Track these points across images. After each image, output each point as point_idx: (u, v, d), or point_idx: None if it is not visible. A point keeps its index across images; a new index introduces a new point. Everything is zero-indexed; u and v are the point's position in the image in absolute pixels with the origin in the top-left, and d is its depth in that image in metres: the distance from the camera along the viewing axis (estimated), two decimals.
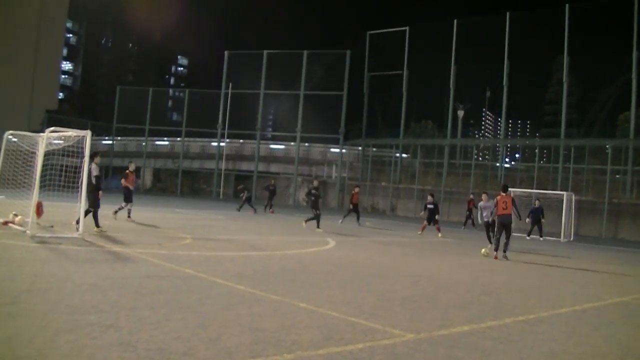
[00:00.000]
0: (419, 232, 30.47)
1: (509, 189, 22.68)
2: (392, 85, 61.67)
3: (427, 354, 7.19)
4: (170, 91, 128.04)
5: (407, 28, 60.04)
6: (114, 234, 17.70)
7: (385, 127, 62.53)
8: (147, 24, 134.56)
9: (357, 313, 9.28)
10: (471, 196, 37.80)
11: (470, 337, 8.36)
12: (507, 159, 59.97)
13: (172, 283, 10.67)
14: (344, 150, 64.28)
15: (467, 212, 39.58)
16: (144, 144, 72.74)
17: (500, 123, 60.61)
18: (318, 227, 27.39)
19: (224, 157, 65.56)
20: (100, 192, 18.02)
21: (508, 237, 20.43)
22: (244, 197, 38.73)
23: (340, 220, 33.55)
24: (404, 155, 62.88)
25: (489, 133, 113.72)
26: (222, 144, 67.30)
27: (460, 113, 63.28)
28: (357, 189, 34.69)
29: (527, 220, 32.89)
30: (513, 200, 20.89)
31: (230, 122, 65.80)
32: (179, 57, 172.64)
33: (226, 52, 67.88)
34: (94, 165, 17.63)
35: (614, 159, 47.34)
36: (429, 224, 30.44)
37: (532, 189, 43.83)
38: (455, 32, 56.16)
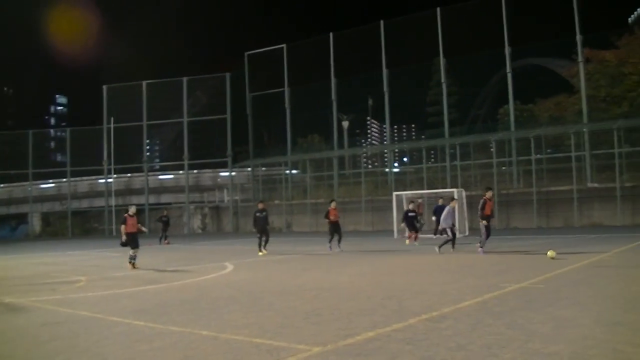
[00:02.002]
0: (415, 243, 29.59)
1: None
2: (275, 104, 61.90)
3: None
4: (52, 131, 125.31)
5: (284, 46, 60.39)
6: (4, 284, 17.14)
7: (273, 146, 62.81)
8: (20, 64, 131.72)
9: (261, 333, 9.23)
10: (419, 201, 36.53)
11: (376, 342, 8.41)
12: (395, 164, 60.80)
13: (69, 328, 10.37)
14: (233, 173, 64.04)
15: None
16: (29, 188, 70.81)
17: (386, 129, 61.44)
18: (262, 250, 27.06)
19: (112, 193, 64.44)
20: None
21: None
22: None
23: (329, 247, 27.35)
24: (294, 171, 63.04)
25: (375, 140, 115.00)
26: (109, 180, 66.13)
27: (345, 124, 63.96)
28: (333, 204, 28.59)
29: (433, 218, 33.51)
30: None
31: (116, 156, 64.82)
32: (57, 96, 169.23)
33: (104, 87, 66.81)
34: None
35: (498, 152, 48.54)
36: (415, 231, 30.16)
37: (422, 189, 44.55)
38: (332, 45, 56.84)
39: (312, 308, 11.58)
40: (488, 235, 22.08)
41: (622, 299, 11.23)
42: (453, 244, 23.88)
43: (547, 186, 44.58)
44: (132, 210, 23.35)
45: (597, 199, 42.29)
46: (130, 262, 22.28)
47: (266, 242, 27.39)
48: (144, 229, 24.12)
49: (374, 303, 11.98)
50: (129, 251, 22.50)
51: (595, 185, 42.79)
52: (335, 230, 27.44)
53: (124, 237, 22.52)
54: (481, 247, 22.10)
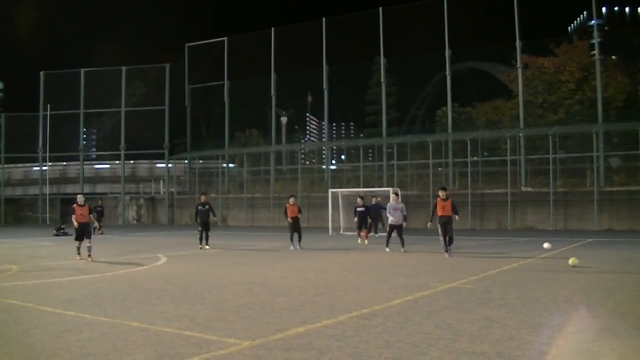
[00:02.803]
0: (365, 241, 29.18)
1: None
2: (214, 97, 61.70)
3: (263, 359, 7.21)
4: None
5: (225, 39, 60.17)
6: None
7: (210, 139, 62.49)
8: None
9: (191, 326, 9.23)
10: (378, 199, 35.52)
11: (305, 337, 8.47)
12: (333, 161, 60.90)
13: None
14: (170, 165, 63.63)
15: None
16: None
17: (324, 126, 61.60)
18: (203, 244, 26.36)
19: (47, 181, 63.47)
20: None
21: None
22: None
23: (291, 246, 26.27)
24: (230, 165, 62.85)
25: (314, 137, 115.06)
26: (44, 168, 65.14)
27: (284, 119, 63.88)
28: (291, 200, 27.32)
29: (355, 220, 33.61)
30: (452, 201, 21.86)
31: (52, 144, 63.77)
32: None
33: (42, 73, 65.70)
34: None
35: (435, 153, 48.93)
36: (368, 229, 30.03)
37: (359, 187, 44.77)
38: (273, 40, 56.77)
39: (244, 302, 11.59)
40: (443, 236, 21.50)
41: (549, 301, 11.44)
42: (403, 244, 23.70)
43: (482, 189, 45.20)
44: (81, 199, 22.38)
45: (531, 203, 43.04)
46: (80, 254, 21.44)
47: (207, 237, 26.57)
48: (95, 222, 23.30)
49: (305, 299, 12.04)
50: (75, 242, 21.86)
51: (529, 189, 43.48)
52: (294, 227, 26.55)
53: (76, 224, 21.63)
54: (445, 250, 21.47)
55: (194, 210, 28.08)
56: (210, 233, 26.79)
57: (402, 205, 24.01)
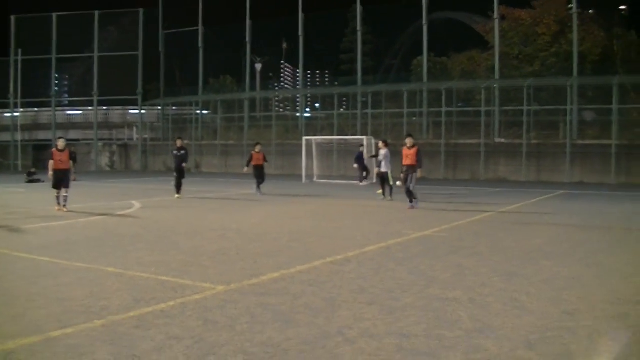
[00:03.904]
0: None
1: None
2: (188, 43, 61.14)
3: (238, 304, 7.31)
4: None
5: None
6: None
7: (184, 85, 62.00)
8: None
9: (167, 272, 9.32)
10: (361, 149, 34.90)
11: (280, 282, 8.61)
12: (307, 109, 60.76)
13: None
14: (143, 112, 63.12)
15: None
16: None
17: (299, 74, 61.36)
18: (179, 192, 25.14)
19: (19, 127, 62.86)
20: None
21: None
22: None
23: (258, 193, 26.63)
24: (204, 112, 62.55)
25: (288, 85, 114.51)
26: (15, 114, 64.47)
27: (258, 66, 63.59)
28: (257, 147, 28.13)
29: (355, 166, 33.58)
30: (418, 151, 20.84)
31: (24, 90, 63.02)
32: None
33: (12, 17, 64.64)
34: None
35: (410, 103, 48.89)
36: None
37: (333, 135, 44.76)
38: None
39: (218, 248, 11.68)
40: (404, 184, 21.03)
41: (520, 251, 11.61)
42: (391, 192, 23.85)
43: (455, 139, 45.25)
44: (62, 143, 20.28)
45: (504, 154, 43.12)
46: (59, 205, 19.61)
47: (178, 185, 25.21)
48: (74, 174, 21.35)
49: (279, 245, 12.15)
50: (53, 191, 19.97)
51: (502, 140, 43.58)
52: (258, 174, 27.34)
53: (50, 174, 19.64)
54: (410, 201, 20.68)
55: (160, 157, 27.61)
56: (183, 180, 25.78)
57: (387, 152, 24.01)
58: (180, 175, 25.34)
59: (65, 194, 19.77)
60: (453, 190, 30.84)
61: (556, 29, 47.90)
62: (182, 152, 25.71)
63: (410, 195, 20.51)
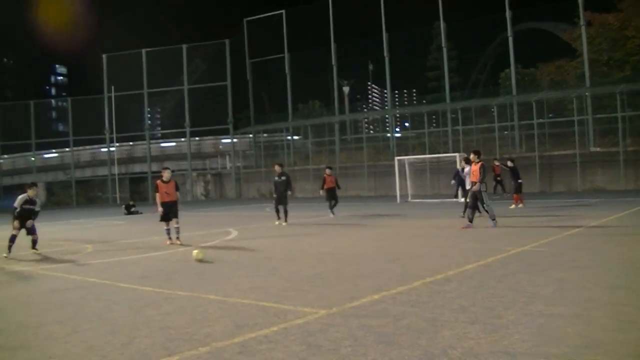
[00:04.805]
0: (517, 206, 27.72)
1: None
2: (275, 70, 61.84)
3: (339, 327, 7.29)
4: (53, 102, 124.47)
5: (283, 11, 60.20)
6: (12, 253, 17.16)
7: (274, 112, 62.77)
8: (20, 36, 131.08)
9: (267, 297, 9.35)
10: (496, 163, 34.71)
11: (381, 304, 8.53)
12: (397, 129, 60.69)
13: (77, 294, 10.50)
14: (235, 140, 64.12)
15: (496, 179, 36.11)
16: (32, 159, 70.85)
17: (386, 94, 61.34)
18: (281, 220, 24.91)
19: (115, 161, 64.40)
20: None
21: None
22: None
23: (332, 214, 27.48)
24: (295, 137, 63.10)
25: (376, 105, 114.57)
26: (112, 149, 66.20)
27: (346, 89, 63.84)
28: (328, 171, 28.36)
29: (452, 182, 33.16)
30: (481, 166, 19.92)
31: (118, 125, 64.70)
32: (56, 66, 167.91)
33: (104, 56, 66.58)
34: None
35: (500, 117, 48.46)
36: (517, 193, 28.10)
37: (425, 154, 44.61)
38: (331, 9, 56.55)
39: (317, 272, 11.69)
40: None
41: (623, 262, 11.33)
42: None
43: (549, 151, 44.53)
44: (167, 175, 19.08)
45: (600, 163, 42.21)
46: (171, 238, 18.64)
47: (285, 212, 24.81)
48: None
49: (377, 266, 12.09)
50: (163, 225, 19.08)
51: (598, 149, 42.70)
52: (331, 196, 27.84)
53: (159, 209, 18.76)
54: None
55: (254, 185, 27.80)
56: (273, 205, 25.44)
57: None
58: (282, 202, 24.87)
59: (176, 225, 18.81)
60: (549, 203, 30.33)
61: None
62: (283, 177, 25.12)
63: (470, 212, 20.00)
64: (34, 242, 17.26)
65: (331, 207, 27.71)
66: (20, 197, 16.46)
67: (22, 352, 6.80)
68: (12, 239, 16.28)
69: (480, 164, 19.92)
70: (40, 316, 8.83)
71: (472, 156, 20.56)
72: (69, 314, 8.89)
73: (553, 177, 43.58)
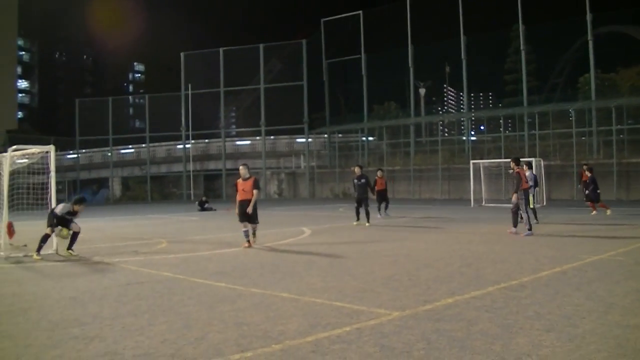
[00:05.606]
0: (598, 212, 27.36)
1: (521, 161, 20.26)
2: (351, 70, 62.01)
3: (413, 329, 7.24)
4: (130, 98, 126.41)
5: (360, 12, 60.22)
6: (89, 246, 17.48)
7: (349, 112, 62.90)
8: (99, 34, 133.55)
9: (341, 297, 9.33)
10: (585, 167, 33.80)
11: (454, 308, 8.45)
12: (472, 132, 60.25)
13: (152, 288, 10.63)
14: (309, 140, 64.41)
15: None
16: (109, 154, 72.24)
17: (463, 97, 60.97)
18: (361, 221, 24.40)
19: (190, 158, 65.28)
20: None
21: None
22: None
23: (379, 215, 27.69)
24: (370, 138, 63.10)
25: (452, 108, 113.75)
26: (187, 145, 67.16)
27: (422, 91, 63.70)
28: (379, 173, 28.80)
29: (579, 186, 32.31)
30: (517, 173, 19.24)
31: (194, 123, 65.63)
32: (134, 63, 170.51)
33: (182, 54, 67.58)
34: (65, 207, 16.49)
35: (578, 122, 47.74)
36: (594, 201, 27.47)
37: (500, 158, 44.13)
38: (409, 11, 56.37)
39: (390, 274, 11.62)
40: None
41: None
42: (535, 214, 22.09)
43: (627, 158, 43.66)
44: (243, 171, 17.51)
45: None
46: (248, 241, 17.05)
47: (367, 214, 24.19)
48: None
49: (451, 270, 11.97)
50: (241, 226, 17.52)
51: None
52: (382, 197, 28.62)
53: (235, 210, 17.53)
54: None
55: (327, 185, 28.01)
56: (350, 206, 25.34)
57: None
58: (362, 204, 24.45)
59: (254, 229, 17.52)
60: (627, 211, 29.76)
61: None
62: (363, 180, 24.78)
63: (520, 218, 19.27)
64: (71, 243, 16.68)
65: (380, 209, 28.42)
66: (64, 206, 16.05)
67: (97, 343, 6.89)
68: (45, 239, 15.83)
69: (518, 171, 19.21)
70: (115, 308, 8.96)
71: (511, 164, 19.77)
72: (143, 307, 9.01)
73: (631, 184, 42.70)
